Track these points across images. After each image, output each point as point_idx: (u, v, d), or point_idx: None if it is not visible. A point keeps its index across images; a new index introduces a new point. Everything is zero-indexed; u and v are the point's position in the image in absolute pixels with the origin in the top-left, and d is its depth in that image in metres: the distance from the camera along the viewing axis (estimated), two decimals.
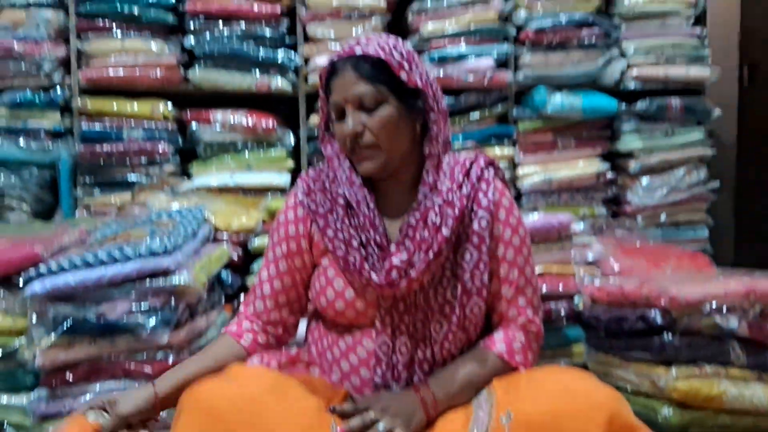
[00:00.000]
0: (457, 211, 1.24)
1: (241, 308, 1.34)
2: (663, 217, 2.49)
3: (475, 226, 1.25)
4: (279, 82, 2.37)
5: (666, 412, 1.52)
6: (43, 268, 1.59)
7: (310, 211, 1.28)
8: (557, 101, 2.37)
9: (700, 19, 2.58)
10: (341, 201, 1.27)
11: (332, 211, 1.26)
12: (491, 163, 1.32)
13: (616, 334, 1.70)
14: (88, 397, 1.58)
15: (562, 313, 1.97)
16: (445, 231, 1.22)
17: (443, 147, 1.29)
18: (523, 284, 1.29)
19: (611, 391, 1.10)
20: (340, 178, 1.28)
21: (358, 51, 1.22)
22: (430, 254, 1.21)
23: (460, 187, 1.26)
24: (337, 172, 1.29)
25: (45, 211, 2.43)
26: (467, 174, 1.28)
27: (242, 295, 2.01)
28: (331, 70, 1.24)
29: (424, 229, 1.23)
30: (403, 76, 1.23)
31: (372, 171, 1.24)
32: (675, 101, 2.47)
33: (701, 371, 1.53)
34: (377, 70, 1.22)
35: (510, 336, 1.27)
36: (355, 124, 1.21)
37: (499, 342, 1.26)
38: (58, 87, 2.39)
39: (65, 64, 2.43)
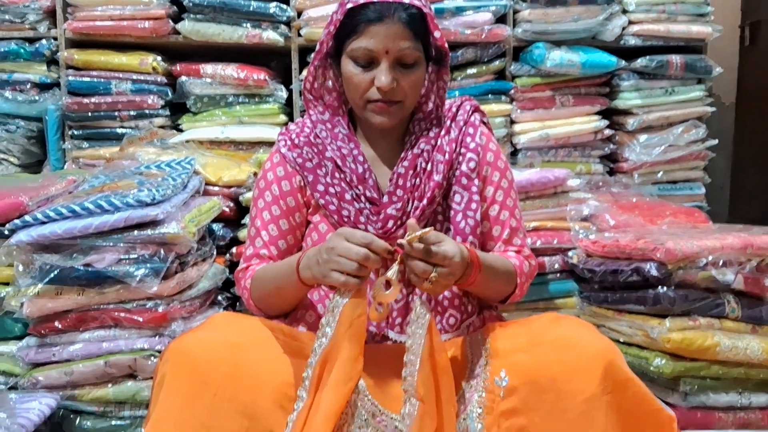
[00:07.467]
0: (447, 155, 1.23)
1: (242, 261, 1.30)
2: (660, 174, 2.47)
3: (464, 168, 1.25)
4: (271, 35, 2.31)
5: (658, 362, 1.53)
6: (28, 217, 1.57)
7: (297, 165, 1.25)
8: (556, 57, 2.32)
9: None
10: (329, 155, 1.24)
11: (321, 165, 1.24)
12: (477, 108, 1.32)
13: (610, 286, 1.70)
14: (78, 345, 1.58)
15: (556, 267, 1.97)
16: (437, 177, 1.21)
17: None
18: (516, 225, 1.30)
19: (607, 342, 1.08)
20: (330, 130, 1.25)
21: None
22: (424, 201, 1.20)
23: (447, 132, 1.26)
24: (327, 124, 1.26)
25: (33, 164, 2.40)
26: (453, 119, 1.28)
27: (234, 248, 1.99)
28: (368, 12, 1.15)
29: (414, 177, 1.22)
30: (437, 34, 1.21)
31: (387, 125, 1.22)
32: (676, 58, 2.43)
33: (695, 323, 1.54)
34: (420, 25, 1.18)
35: (521, 259, 1.28)
36: (392, 80, 1.16)
37: (513, 258, 1.27)
38: (44, 38, 2.32)
39: (51, 15, 2.36)
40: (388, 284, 1.06)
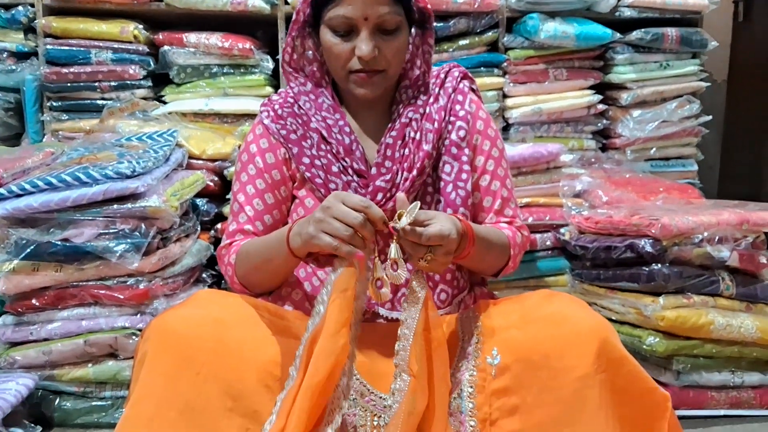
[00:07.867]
0: (436, 124, 1.19)
1: (225, 238, 1.25)
2: (653, 151, 2.44)
3: (453, 136, 1.21)
4: (256, 2, 2.24)
5: (651, 340, 1.51)
6: (3, 190, 1.51)
7: (281, 137, 1.20)
8: (550, 28, 2.27)
9: None
10: (314, 126, 1.19)
11: (306, 137, 1.19)
12: (465, 75, 1.28)
13: (603, 263, 1.68)
14: (56, 324, 1.54)
15: (548, 244, 1.94)
16: (426, 146, 1.17)
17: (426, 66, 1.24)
18: (507, 195, 1.27)
19: (601, 320, 1.05)
20: (313, 101, 1.21)
21: None
22: (414, 172, 1.16)
23: (436, 99, 1.22)
24: (310, 95, 1.22)
25: (11, 137, 2.32)
26: (442, 86, 1.23)
27: (219, 224, 1.94)
28: None
29: (403, 147, 1.18)
30: None
31: (370, 97, 1.17)
32: (671, 31, 2.38)
33: (689, 301, 1.52)
34: None
35: (513, 230, 1.25)
36: (373, 48, 1.11)
37: (506, 229, 1.24)
38: (20, 5, 2.23)
39: None
40: (393, 266, 1.02)
